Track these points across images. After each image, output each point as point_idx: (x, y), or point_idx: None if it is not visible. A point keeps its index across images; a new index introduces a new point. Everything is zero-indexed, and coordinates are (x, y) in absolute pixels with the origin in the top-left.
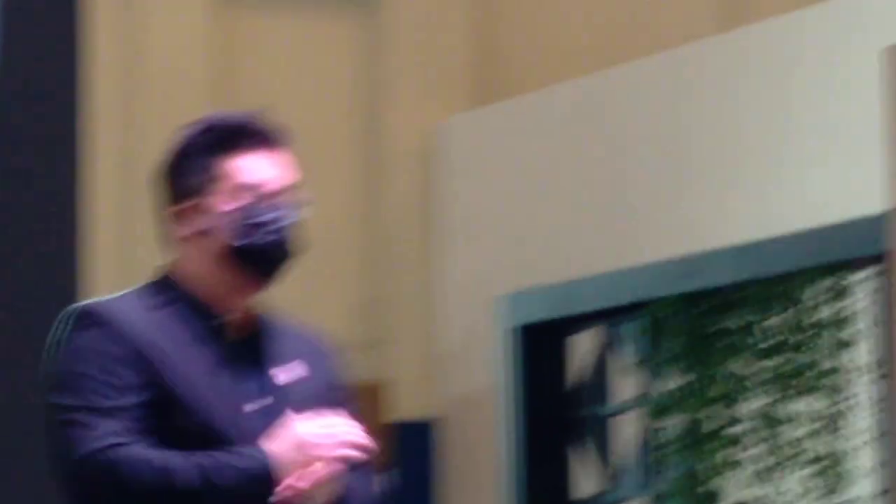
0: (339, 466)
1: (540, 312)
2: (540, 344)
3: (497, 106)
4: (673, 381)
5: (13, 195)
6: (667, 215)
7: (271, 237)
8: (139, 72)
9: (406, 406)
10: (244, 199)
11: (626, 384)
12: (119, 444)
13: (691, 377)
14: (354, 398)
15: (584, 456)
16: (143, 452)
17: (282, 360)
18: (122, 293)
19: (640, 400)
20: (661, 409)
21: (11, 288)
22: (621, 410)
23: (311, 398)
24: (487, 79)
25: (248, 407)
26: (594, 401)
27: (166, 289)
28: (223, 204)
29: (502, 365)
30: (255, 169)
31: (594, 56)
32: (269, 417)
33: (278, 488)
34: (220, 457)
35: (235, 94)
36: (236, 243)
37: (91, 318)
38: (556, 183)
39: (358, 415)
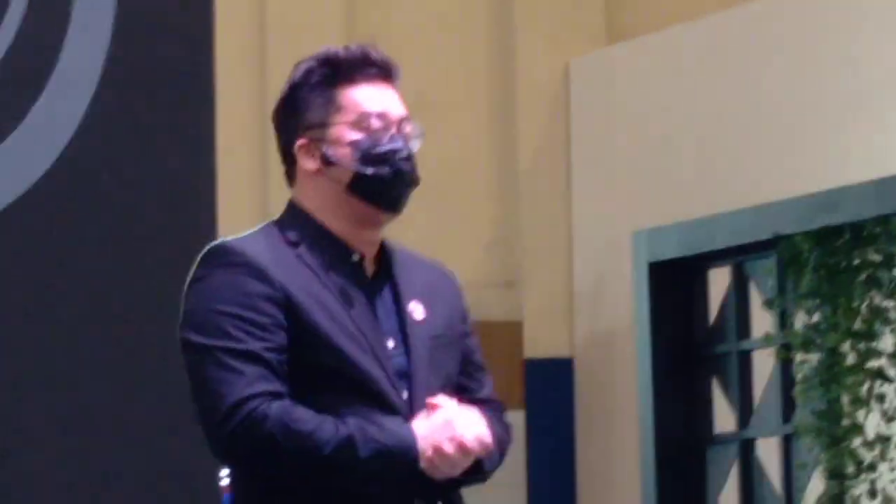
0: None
1: (675, 249)
2: (676, 280)
3: (631, 43)
4: (811, 316)
5: (147, 133)
6: (802, 150)
7: (398, 165)
8: (270, 11)
9: (542, 344)
10: (369, 128)
11: (762, 320)
12: (268, 394)
13: (829, 312)
14: (478, 332)
15: (721, 392)
16: (294, 411)
17: (416, 295)
18: (256, 229)
19: (778, 335)
20: (800, 343)
21: (150, 227)
22: (758, 346)
23: (442, 334)
24: (621, 16)
25: (390, 343)
26: (731, 337)
27: (300, 223)
28: (349, 133)
29: (638, 301)
30: (377, 98)
31: None
32: (410, 353)
33: (423, 455)
34: (369, 430)
35: (366, 33)
36: (365, 171)
37: (230, 256)
38: (690, 119)
39: (482, 348)
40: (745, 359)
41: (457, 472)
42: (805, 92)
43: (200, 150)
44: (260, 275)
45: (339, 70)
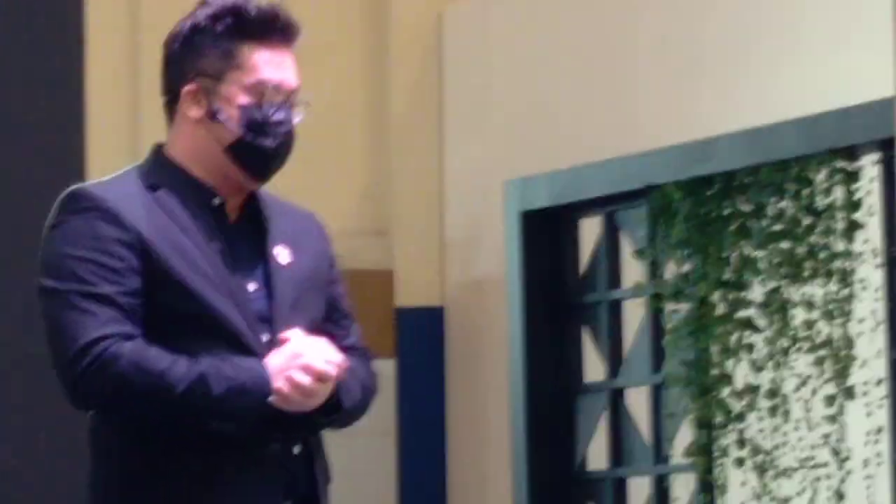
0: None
1: (547, 198)
2: (547, 229)
3: None
4: (682, 266)
5: (17, 66)
6: (675, 101)
7: (280, 138)
8: None
9: (414, 292)
10: (262, 95)
11: (633, 269)
12: (120, 335)
13: (700, 262)
14: (349, 281)
15: (592, 342)
16: (146, 351)
17: (283, 240)
18: (117, 173)
19: (649, 285)
20: (671, 293)
21: (18, 169)
22: (629, 296)
23: (307, 279)
24: None
25: (251, 286)
26: (601, 286)
27: (164, 167)
28: (241, 95)
29: (509, 250)
30: (277, 66)
31: None
32: (273, 296)
33: (275, 387)
34: (218, 366)
35: None
36: (247, 138)
37: (86, 201)
38: (561, 69)
39: (349, 297)
40: (615, 308)
41: (313, 403)
42: (677, 40)
43: (68, 94)
44: (113, 219)
45: (246, 25)
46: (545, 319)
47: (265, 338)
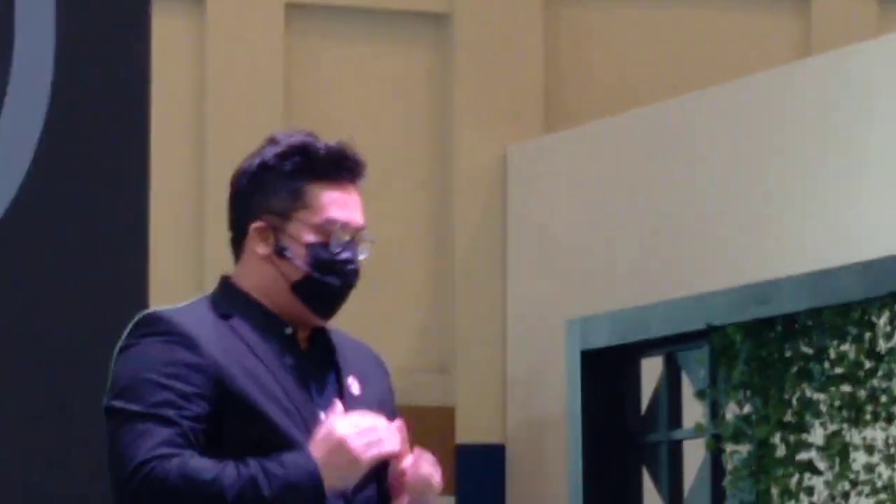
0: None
1: (608, 337)
2: (608, 369)
3: (568, 132)
4: (742, 407)
5: (83, 201)
6: (737, 242)
7: (347, 277)
8: (211, 86)
9: (475, 430)
10: (329, 235)
11: (694, 410)
12: (171, 455)
13: (760, 403)
14: (411, 417)
15: (652, 482)
16: (196, 463)
17: (352, 371)
18: (190, 302)
19: (709, 426)
20: (731, 434)
21: (83, 293)
22: (690, 436)
23: (377, 410)
24: (558, 104)
25: (322, 416)
26: (662, 426)
27: (235, 297)
28: (309, 234)
29: (570, 389)
30: (344, 206)
31: (661, 85)
32: None
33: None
34: (269, 467)
35: (308, 115)
36: (313, 276)
37: (161, 325)
38: (625, 209)
39: (415, 432)
40: (675, 448)
41: (360, 471)
42: (739, 185)
43: (133, 218)
44: (189, 343)
45: (314, 165)
46: (605, 459)
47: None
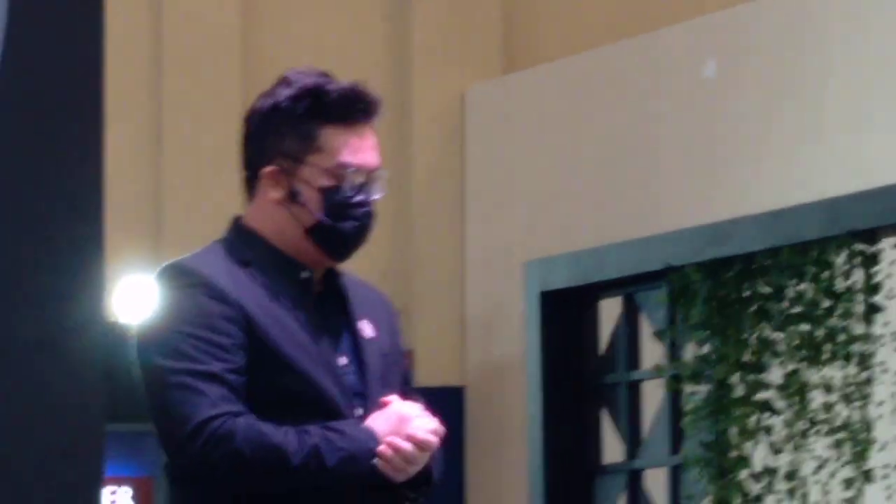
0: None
1: (567, 278)
2: (567, 310)
3: (525, 73)
4: (701, 347)
5: (35, 144)
6: (695, 183)
7: (359, 222)
8: (168, 35)
9: (434, 372)
10: (342, 179)
11: (652, 350)
12: (231, 413)
13: (718, 343)
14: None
15: (611, 422)
16: (259, 426)
17: (364, 313)
18: (205, 248)
19: (668, 366)
20: (690, 374)
21: (36, 261)
22: (648, 377)
23: (389, 353)
24: (515, 46)
25: (341, 360)
26: (621, 367)
27: (250, 242)
28: (322, 178)
29: (529, 331)
30: (358, 149)
31: (622, 24)
32: (362, 371)
33: (383, 449)
34: (329, 437)
35: (264, 56)
36: (326, 221)
37: (189, 276)
38: (583, 150)
39: (411, 374)
40: (634, 389)
41: (413, 471)
42: (697, 124)
43: (89, 171)
44: (218, 294)
45: (326, 107)
46: (564, 400)
47: (359, 412)
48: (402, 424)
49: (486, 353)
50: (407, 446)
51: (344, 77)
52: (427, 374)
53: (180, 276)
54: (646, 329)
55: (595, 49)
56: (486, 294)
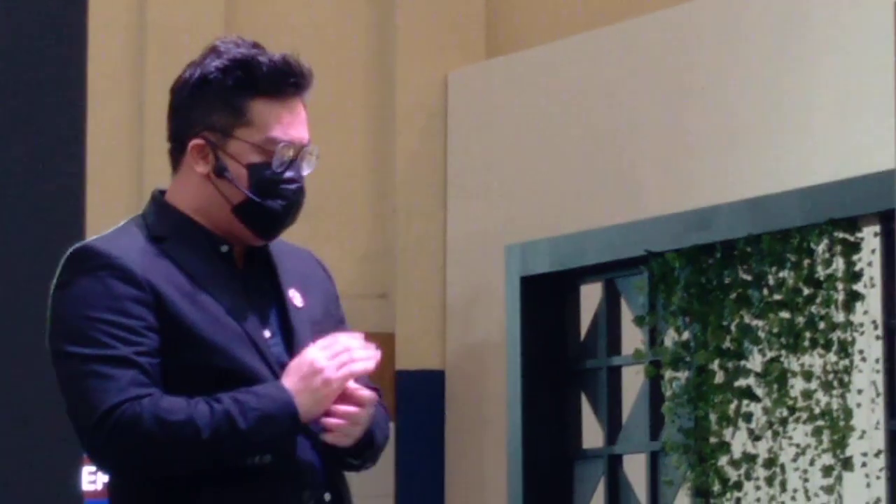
0: (347, 383)
1: (547, 263)
2: (547, 295)
3: (508, 58)
4: (681, 334)
5: (18, 132)
6: (677, 169)
7: (290, 198)
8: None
9: (414, 356)
10: (272, 155)
11: (633, 336)
12: (142, 396)
13: (699, 329)
14: (345, 317)
15: (590, 407)
16: (166, 403)
17: (293, 282)
18: (121, 225)
19: (648, 352)
20: (670, 360)
21: (17, 225)
22: (628, 362)
23: (321, 321)
24: (498, 31)
25: (266, 333)
26: (601, 352)
27: (168, 217)
28: (250, 154)
29: (510, 315)
30: (288, 123)
31: (604, 10)
32: (294, 341)
33: (327, 421)
34: (243, 400)
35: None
36: (255, 199)
37: (96, 259)
38: (565, 135)
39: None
40: (614, 375)
41: (357, 431)
42: (679, 111)
43: (70, 148)
44: (127, 276)
45: (256, 80)
46: (544, 384)
47: None
48: (312, 369)
49: (466, 336)
50: (349, 409)
51: (327, 61)
52: (408, 358)
53: (87, 259)
54: (626, 315)
55: (578, 35)
56: (466, 278)
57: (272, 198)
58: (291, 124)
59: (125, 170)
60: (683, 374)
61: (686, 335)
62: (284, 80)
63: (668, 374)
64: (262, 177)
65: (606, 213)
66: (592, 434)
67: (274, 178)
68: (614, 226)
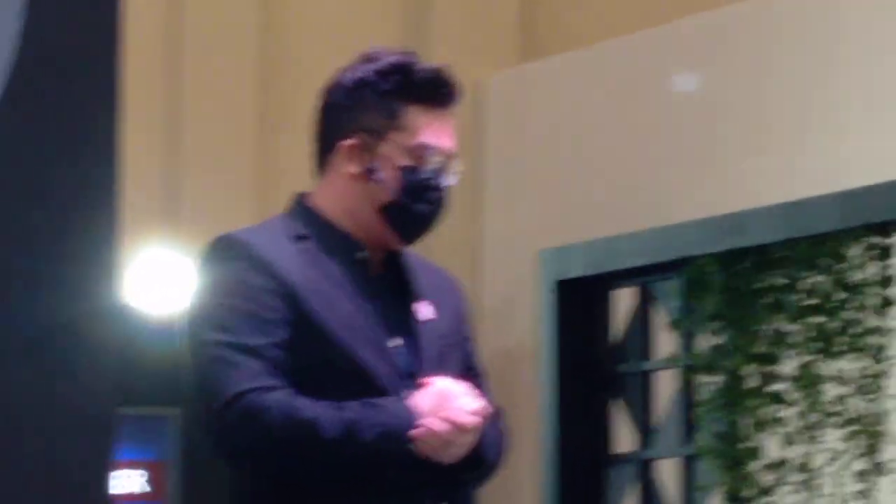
0: (469, 425)
1: (581, 268)
2: (581, 299)
3: (544, 61)
4: (714, 338)
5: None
6: (711, 173)
7: (433, 205)
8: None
9: None
10: (422, 160)
11: (666, 341)
12: (267, 388)
13: (732, 334)
14: (474, 340)
15: (623, 412)
16: (292, 400)
17: (425, 295)
18: (263, 222)
19: (682, 356)
20: (703, 365)
21: (53, 236)
22: (661, 367)
23: (448, 335)
24: (535, 34)
25: (391, 342)
26: (634, 357)
27: (310, 218)
28: (402, 157)
29: (544, 320)
30: (438, 130)
31: (641, 13)
32: (412, 353)
33: (417, 431)
34: (366, 412)
35: (282, 42)
36: (403, 201)
37: (236, 249)
38: (599, 140)
39: (479, 355)
40: (647, 379)
41: (455, 453)
42: (714, 115)
43: (103, 154)
44: (265, 268)
45: (412, 86)
46: (577, 389)
47: (408, 394)
48: (444, 403)
49: (500, 341)
50: (443, 426)
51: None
52: None
53: (228, 248)
54: (660, 319)
55: (613, 39)
56: (500, 282)
57: (420, 202)
58: (441, 132)
59: (160, 174)
60: (717, 379)
61: (720, 339)
62: (438, 90)
63: (700, 378)
64: (413, 180)
65: (641, 217)
66: (626, 438)
67: (424, 183)
68: (648, 230)
